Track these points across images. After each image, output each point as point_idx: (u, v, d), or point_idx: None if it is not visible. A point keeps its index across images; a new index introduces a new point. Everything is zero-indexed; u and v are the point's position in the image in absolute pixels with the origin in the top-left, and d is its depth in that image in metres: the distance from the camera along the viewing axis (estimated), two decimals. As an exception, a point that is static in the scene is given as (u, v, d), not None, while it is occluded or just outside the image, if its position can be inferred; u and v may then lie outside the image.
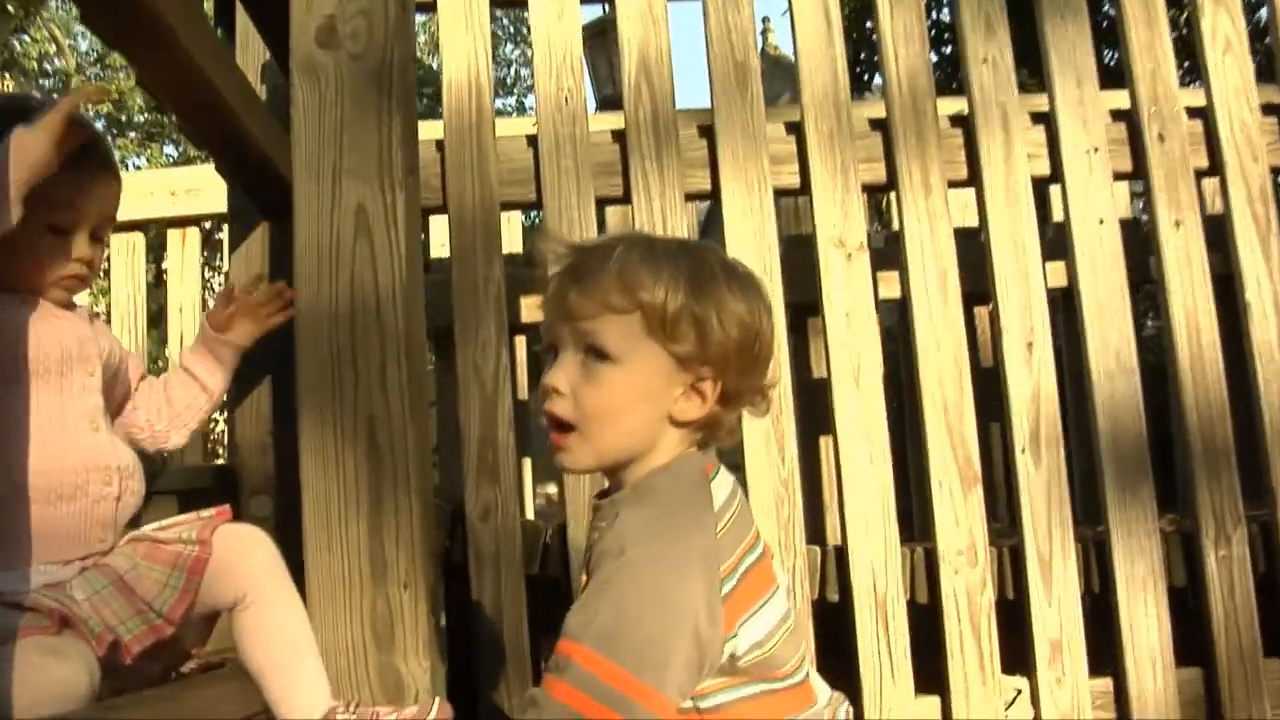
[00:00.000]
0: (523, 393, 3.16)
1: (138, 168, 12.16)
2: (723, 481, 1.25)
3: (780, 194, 2.57)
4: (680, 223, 2.48)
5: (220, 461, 6.10)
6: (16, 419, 1.45)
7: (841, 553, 2.40)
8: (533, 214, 3.18)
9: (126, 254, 3.56)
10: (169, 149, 13.27)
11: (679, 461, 1.23)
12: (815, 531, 2.88)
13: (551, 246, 1.27)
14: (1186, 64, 3.74)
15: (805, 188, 2.53)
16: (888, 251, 2.75)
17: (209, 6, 2.70)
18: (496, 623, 2.33)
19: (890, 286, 2.68)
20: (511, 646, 2.34)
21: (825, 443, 2.92)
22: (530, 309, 2.75)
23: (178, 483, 2.41)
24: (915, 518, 2.72)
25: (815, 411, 2.76)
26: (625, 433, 1.22)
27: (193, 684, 1.56)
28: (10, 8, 11.22)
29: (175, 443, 1.84)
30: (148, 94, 2.19)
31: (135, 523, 1.62)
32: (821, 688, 1.28)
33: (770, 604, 1.20)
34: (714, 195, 2.54)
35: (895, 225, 2.62)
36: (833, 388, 2.42)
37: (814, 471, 2.93)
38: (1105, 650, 2.41)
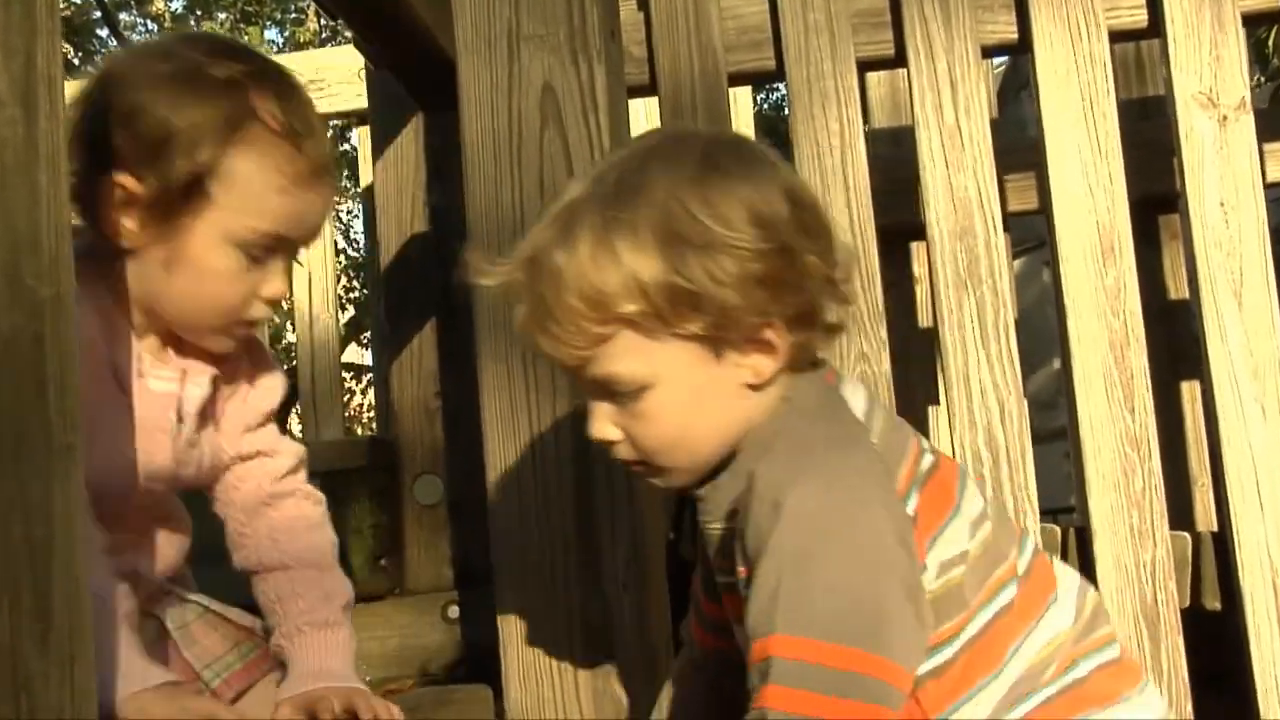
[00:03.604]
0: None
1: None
2: (853, 388, 1.37)
3: (1118, 38, 2.46)
4: (974, 88, 2.42)
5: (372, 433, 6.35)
6: None
7: (1222, 542, 2.32)
8: (770, 93, 3.16)
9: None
10: (271, 34, 13.83)
11: (788, 392, 1.35)
12: (1180, 512, 2.79)
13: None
14: None
15: (1155, 28, 2.42)
16: (1276, 114, 2.68)
17: None
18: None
19: (1280, 165, 2.57)
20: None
21: (1189, 388, 2.86)
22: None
23: (321, 463, 2.52)
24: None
25: (1175, 344, 2.68)
26: (710, 435, 1.34)
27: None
28: None
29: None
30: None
31: None
32: (1066, 573, 1.41)
33: (966, 499, 1.34)
34: (1022, 47, 2.47)
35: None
36: (1202, 308, 2.33)
37: (1175, 427, 2.84)
38: None
